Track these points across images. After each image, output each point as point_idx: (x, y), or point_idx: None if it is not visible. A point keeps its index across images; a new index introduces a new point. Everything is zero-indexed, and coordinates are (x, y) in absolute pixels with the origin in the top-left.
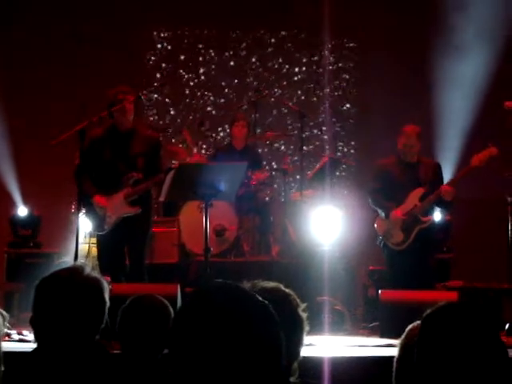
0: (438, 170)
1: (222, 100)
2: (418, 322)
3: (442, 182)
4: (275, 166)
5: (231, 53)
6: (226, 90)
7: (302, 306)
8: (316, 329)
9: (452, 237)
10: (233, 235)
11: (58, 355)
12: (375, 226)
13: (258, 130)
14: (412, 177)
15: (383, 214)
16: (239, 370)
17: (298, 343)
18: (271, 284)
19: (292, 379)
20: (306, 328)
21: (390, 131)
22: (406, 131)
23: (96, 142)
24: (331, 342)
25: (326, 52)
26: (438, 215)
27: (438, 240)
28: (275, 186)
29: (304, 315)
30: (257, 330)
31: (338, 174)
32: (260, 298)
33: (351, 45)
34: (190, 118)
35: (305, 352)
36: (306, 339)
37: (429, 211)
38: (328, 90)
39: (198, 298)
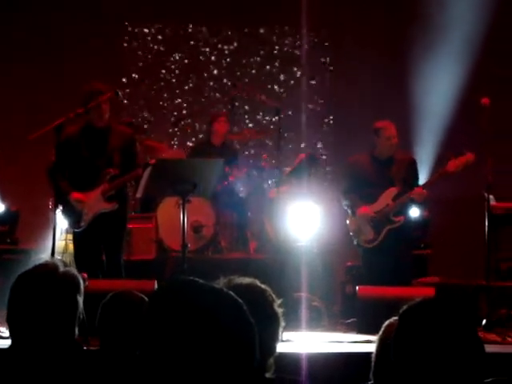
0: (413, 167)
1: (201, 97)
2: (395, 317)
3: (418, 179)
4: (253, 163)
5: (208, 49)
6: (204, 87)
7: (278, 301)
8: (293, 325)
9: (429, 233)
10: (210, 231)
11: (33, 352)
12: (347, 222)
13: (236, 127)
14: (385, 174)
15: (354, 211)
16: (208, 367)
17: (273, 339)
18: (247, 280)
19: (268, 375)
20: (282, 323)
21: (367, 127)
22: (386, 124)
23: (72, 139)
24: (308, 338)
25: (303, 45)
26: (415, 212)
27: (414, 237)
28: (253, 182)
29: (280, 311)
30: (225, 326)
31: (315, 170)
32: (230, 293)
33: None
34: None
35: (282, 348)
36: (283, 335)
37: (402, 210)
38: (305, 84)
39: (164, 294)
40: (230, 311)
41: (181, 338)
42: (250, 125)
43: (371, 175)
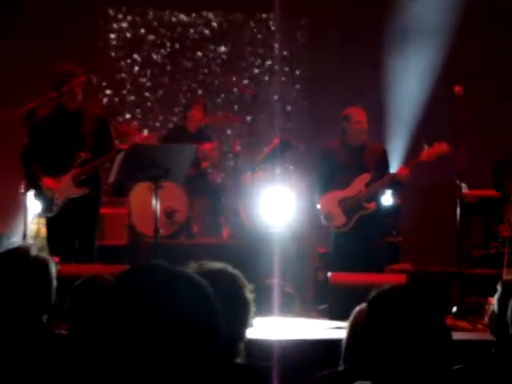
0: (383, 156)
1: (176, 83)
2: (366, 304)
3: (388, 168)
4: (226, 148)
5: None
6: (176, 74)
7: (249, 287)
8: (265, 311)
9: (401, 221)
10: (183, 217)
11: (3, 335)
12: (318, 206)
13: (210, 113)
14: (357, 161)
15: (325, 196)
16: (168, 352)
17: (243, 324)
18: (218, 265)
19: (237, 360)
20: (253, 309)
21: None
22: (355, 109)
23: (44, 123)
24: (281, 324)
25: (276, 33)
26: (387, 199)
27: (386, 224)
28: (226, 167)
29: (251, 296)
30: (188, 310)
31: (288, 155)
32: (195, 277)
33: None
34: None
35: (253, 334)
36: (255, 321)
37: (373, 197)
38: (278, 71)
39: (130, 276)
40: (193, 295)
41: (141, 321)
42: (225, 110)
43: (344, 161)
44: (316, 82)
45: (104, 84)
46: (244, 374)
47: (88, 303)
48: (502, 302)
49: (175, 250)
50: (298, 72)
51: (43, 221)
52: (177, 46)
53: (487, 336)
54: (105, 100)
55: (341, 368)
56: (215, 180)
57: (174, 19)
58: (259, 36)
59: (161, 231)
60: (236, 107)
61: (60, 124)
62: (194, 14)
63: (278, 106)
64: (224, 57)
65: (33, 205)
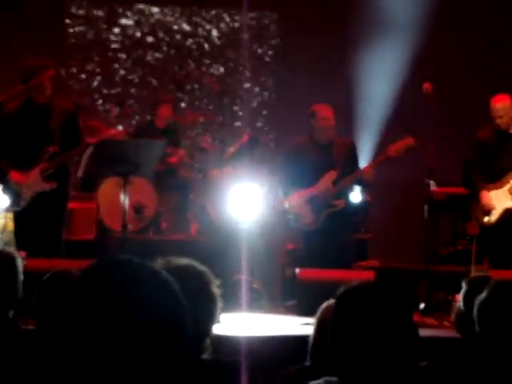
0: (352, 150)
1: (145, 79)
2: (333, 300)
3: (357, 162)
4: (195, 144)
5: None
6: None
7: (216, 282)
8: (233, 307)
9: (370, 217)
10: (152, 212)
11: None
12: (286, 205)
13: (180, 110)
14: (325, 158)
15: (293, 195)
16: (135, 347)
17: (210, 320)
18: (185, 261)
19: (204, 356)
20: (220, 305)
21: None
22: (321, 106)
23: (12, 116)
24: (248, 320)
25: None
26: (356, 196)
27: (355, 221)
28: (195, 164)
29: (218, 292)
30: (154, 305)
31: (257, 152)
32: (162, 273)
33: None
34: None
35: (221, 330)
36: (223, 317)
37: (342, 194)
38: (248, 67)
39: (95, 271)
40: (160, 291)
41: (108, 316)
42: (194, 107)
43: (312, 159)
44: (285, 79)
45: (69, 79)
46: (210, 370)
47: (55, 298)
48: (468, 300)
49: (143, 245)
50: (266, 68)
51: (11, 215)
52: (149, 39)
53: (454, 333)
54: (73, 94)
55: (308, 364)
56: (184, 176)
57: (147, 11)
58: (228, 32)
59: (129, 226)
60: (205, 104)
61: (28, 118)
62: (163, 8)
63: (247, 103)
64: (196, 54)
65: (0, 199)
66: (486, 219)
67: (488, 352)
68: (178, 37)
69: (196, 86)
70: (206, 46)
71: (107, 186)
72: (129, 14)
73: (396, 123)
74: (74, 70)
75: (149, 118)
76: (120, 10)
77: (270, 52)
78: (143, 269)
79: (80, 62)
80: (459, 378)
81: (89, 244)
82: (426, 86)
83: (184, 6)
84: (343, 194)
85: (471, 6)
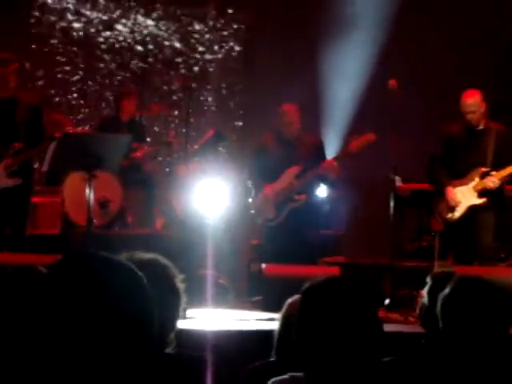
0: (318, 147)
1: (111, 73)
2: (298, 295)
3: (324, 159)
4: (160, 139)
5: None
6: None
7: (180, 277)
8: (199, 302)
9: (336, 213)
10: (117, 207)
11: None
12: (250, 200)
13: (145, 103)
14: (290, 154)
15: (257, 190)
16: (104, 343)
17: (174, 314)
18: (149, 255)
19: (168, 350)
20: (184, 299)
21: (277, 109)
22: (285, 109)
23: None
24: (214, 316)
25: (212, 23)
26: (322, 192)
27: (319, 216)
28: (160, 158)
29: (182, 286)
30: (123, 300)
31: (223, 147)
32: (132, 267)
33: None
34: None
35: (186, 324)
36: (188, 312)
37: (304, 189)
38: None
39: (61, 266)
40: (129, 284)
41: (75, 311)
42: (160, 101)
43: (276, 154)
44: (251, 75)
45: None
46: (174, 364)
47: (19, 293)
48: (432, 295)
49: (109, 240)
50: (233, 65)
51: None
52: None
53: (418, 328)
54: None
55: (273, 359)
56: (149, 171)
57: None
58: (197, 30)
59: (94, 221)
60: (172, 98)
61: None
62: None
63: (213, 99)
64: (162, 48)
65: None
66: (449, 215)
67: (451, 347)
68: (148, 31)
69: (162, 83)
70: (176, 42)
71: (72, 180)
72: (124, 20)
73: (362, 120)
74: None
75: (114, 111)
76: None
77: (235, 48)
78: (112, 263)
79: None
80: (422, 373)
81: (54, 238)
82: (392, 82)
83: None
84: (307, 189)
85: (435, 4)
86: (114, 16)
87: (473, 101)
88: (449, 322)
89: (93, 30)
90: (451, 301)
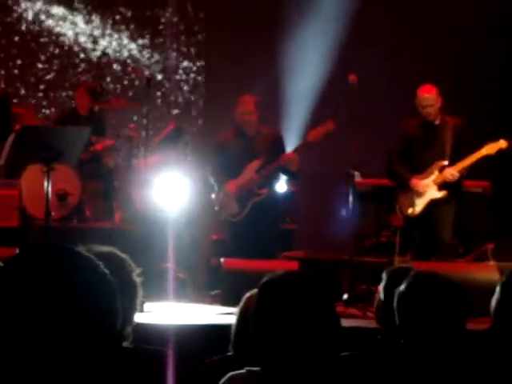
0: (277, 140)
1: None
2: (256, 290)
3: (284, 152)
4: (120, 133)
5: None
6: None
7: (137, 271)
8: (158, 296)
9: (296, 208)
10: (75, 200)
11: None
12: (212, 196)
13: (104, 97)
14: (250, 149)
15: (219, 186)
16: (63, 336)
17: (131, 308)
18: (106, 248)
19: (125, 344)
20: (141, 293)
21: (237, 100)
22: (242, 99)
23: None
24: (173, 310)
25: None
26: (282, 186)
27: (280, 211)
28: (120, 152)
29: (139, 280)
30: (89, 294)
31: (183, 141)
32: (94, 260)
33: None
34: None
35: (145, 319)
36: (148, 306)
37: (266, 183)
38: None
39: (18, 259)
40: (92, 278)
41: (35, 304)
42: (119, 94)
43: (236, 150)
44: (212, 67)
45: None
46: (132, 358)
47: None
48: (388, 291)
49: (67, 233)
50: (194, 57)
51: None
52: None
53: (376, 323)
54: None
55: (230, 353)
56: (108, 163)
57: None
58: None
59: (52, 214)
60: (131, 92)
61: None
62: None
63: (173, 92)
64: (121, 41)
65: None
66: (410, 210)
67: (407, 343)
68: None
69: (122, 77)
70: (132, 36)
71: (30, 172)
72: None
73: (322, 115)
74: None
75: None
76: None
77: (196, 42)
78: (73, 255)
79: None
80: (378, 368)
81: (11, 231)
82: (352, 77)
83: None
84: (267, 183)
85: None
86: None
87: (429, 95)
88: (405, 318)
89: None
90: (407, 296)
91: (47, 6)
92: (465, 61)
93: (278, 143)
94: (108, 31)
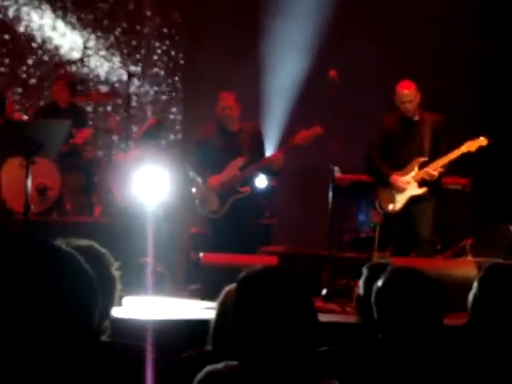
0: (258, 137)
1: (46, 58)
2: (235, 284)
3: (263, 149)
4: (101, 126)
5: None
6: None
7: (116, 265)
8: (137, 290)
9: (275, 203)
10: (55, 194)
11: None
12: (193, 190)
13: (85, 89)
14: (232, 145)
15: (200, 181)
16: (43, 329)
17: (109, 302)
18: (85, 242)
19: (103, 338)
20: (119, 287)
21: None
22: (222, 95)
23: None
24: (152, 304)
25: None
26: (261, 181)
27: (259, 206)
28: (100, 145)
29: (117, 274)
30: (67, 287)
31: (164, 136)
32: (75, 254)
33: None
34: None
35: (124, 313)
36: (126, 300)
37: (248, 181)
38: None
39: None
40: (75, 273)
41: (14, 297)
42: (101, 87)
43: (218, 145)
44: (192, 64)
45: None
46: (109, 352)
47: None
48: (367, 286)
49: (46, 227)
50: (174, 54)
51: None
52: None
53: (355, 318)
54: None
55: (209, 348)
56: (88, 157)
57: None
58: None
59: (32, 208)
60: (113, 84)
61: None
62: None
63: (154, 87)
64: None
65: None
66: (390, 207)
67: (385, 338)
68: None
69: (104, 68)
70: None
71: (10, 166)
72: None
73: (303, 111)
74: None
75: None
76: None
77: (176, 38)
78: (52, 248)
79: None
80: (357, 362)
81: None
82: (332, 73)
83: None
84: (249, 181)
85: None
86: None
87: (409, 91)
88: (383, 313)
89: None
90: (384, 292)
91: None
92: (447, 56)
93: (259, 140)
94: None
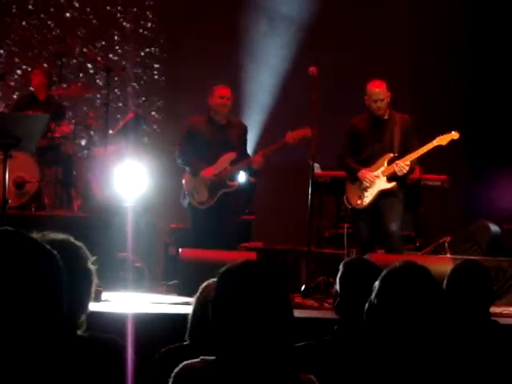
0: (245, 133)
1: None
2: (214, 279)
3: (246, 146)
4: (79, 120)
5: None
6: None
7: (92, 259)
8: (115, 285)
9: (255, 199)
10: (34, 188)
11: None
12: (183, 181)
13: (63, 84)
14: (222, 138)
15: (191, 172)
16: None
17: (86, 295)
18: (61, 236)
19: (79, 332)
20: (95, 281)
21: (198, 91)
22: (219, 86)
23: None
24: (129, 299)
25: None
26: (242, 177)
27: (241, 202)
28: (79, 139)
29: (93, 268)
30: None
31: (143, 130)
32: (44, 244)
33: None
34: None
35: (102, 307)
36: (104, 295)
37: (235, 175)
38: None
39: None
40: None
41: None
42: (80, 82)
43: (207, 137)
44: (174, 59)
45: None
46: (86, 346)
47: None
48: (343, 282)
49: (24, 221)
50: (156, 49)
51: None
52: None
53: (333, 314)
54: None
55: (186, 343)
56: (67, 151)
57: None
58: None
59: (9, 202)
60: (92, 78)
61: None
62: None
63: (133, 81)
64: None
65: None
66: (358, 202)
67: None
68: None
69: (83, 62)
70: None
71: None
72: None
73: (283, 107)
74: None
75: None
76: None
77: (158, 31)
78: (24, 239)
79: None
80: (335, 358)
81: None
82: (312, 69)
83: None
84: (235, 175)
85: None
86: None
87: (380, 89)
88: (387, 313)
89: None
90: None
91: None
92: (424, 53)
93: (245, 136)
94: None
